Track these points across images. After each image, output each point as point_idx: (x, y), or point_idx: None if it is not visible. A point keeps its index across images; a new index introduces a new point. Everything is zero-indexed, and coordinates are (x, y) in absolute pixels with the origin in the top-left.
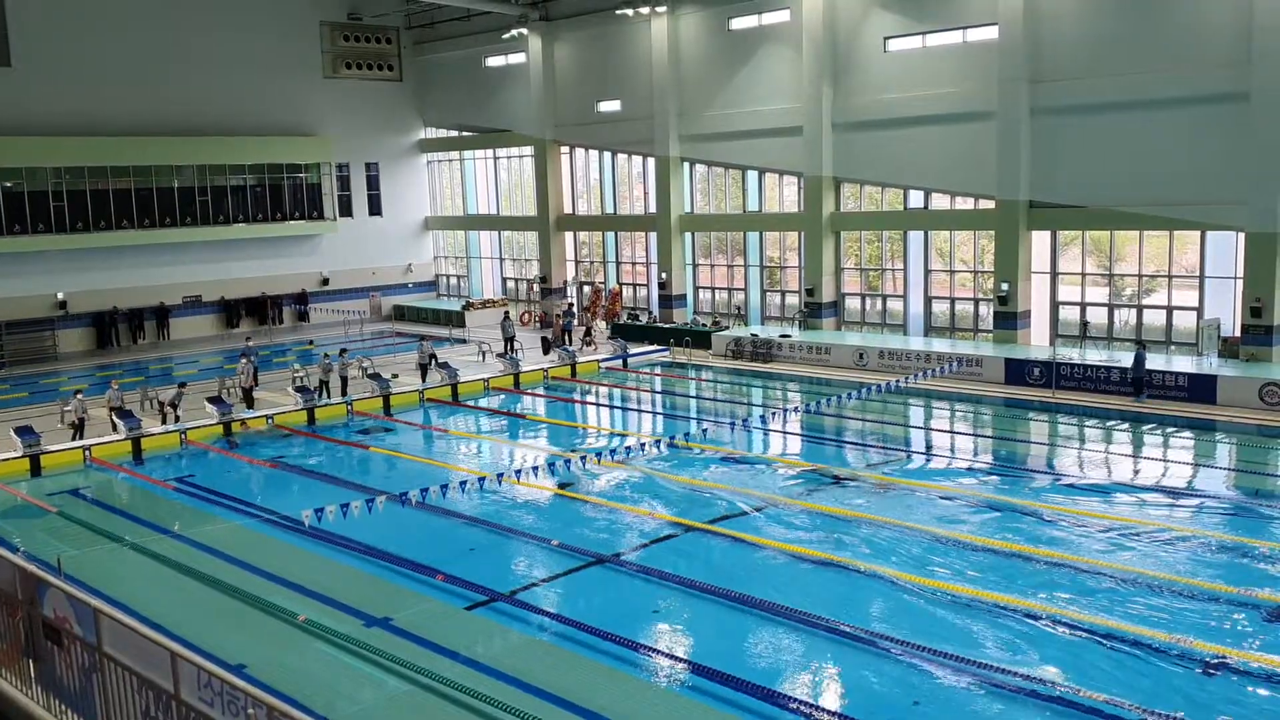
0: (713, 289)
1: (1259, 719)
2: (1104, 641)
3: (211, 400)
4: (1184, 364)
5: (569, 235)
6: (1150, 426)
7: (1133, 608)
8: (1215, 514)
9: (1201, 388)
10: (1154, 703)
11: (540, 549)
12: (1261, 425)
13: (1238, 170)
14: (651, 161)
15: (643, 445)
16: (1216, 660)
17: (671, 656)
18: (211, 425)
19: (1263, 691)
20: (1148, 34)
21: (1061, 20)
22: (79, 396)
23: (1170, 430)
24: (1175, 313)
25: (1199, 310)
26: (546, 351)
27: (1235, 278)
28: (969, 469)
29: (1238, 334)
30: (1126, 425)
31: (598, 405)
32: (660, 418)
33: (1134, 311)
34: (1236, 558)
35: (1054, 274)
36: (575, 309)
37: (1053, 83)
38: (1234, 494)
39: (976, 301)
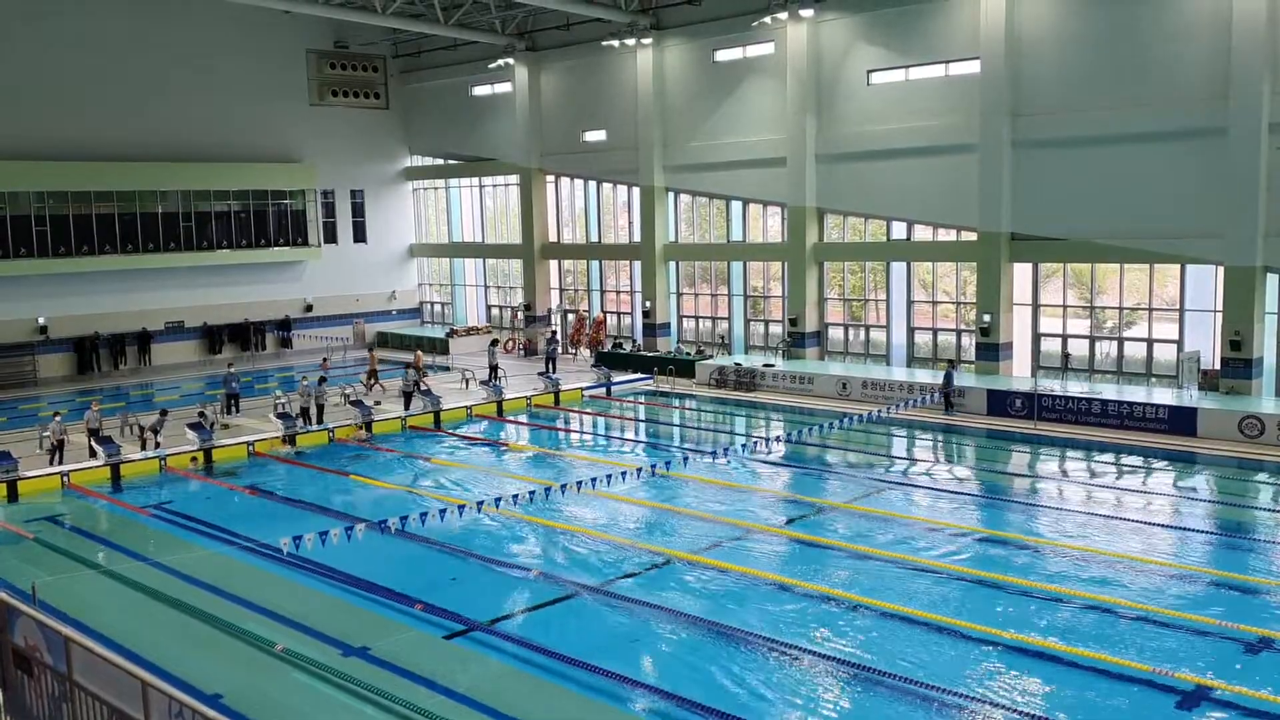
0: (696, 318)
1: None
2: (1085, 671)
3: (191, 426)
4: (1164, 396)
5: (553, 263)
6: (1128, 459)
7: (1114, 638)
8: (1196, 546)
9: (1182, 420)
10: None
11: (521, 578)
12: (1241, 458)
13: (1216, 204)
14: (636, 191)
15: (624, 474)
16: (1197, 691)
17: (651, 688)
18: (191, 451)
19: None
20: (1127, 69)
21: (1043, 55)
22: (57, 419)
23: (1151, 462)
24: (1155, 345)
25: (1179, 343)
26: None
27: (1215, 311)
28: (950, 499)
29: (1217, 367)
30: (1108, 457)
31: (581, 433)
32: (643, 446)
33: (1115, 344)
34: (1217, 589)
35: (1035, 306)
36: (560, 336)
37: (1034, 116)
38: (1214, 526)
39: (959, 332)
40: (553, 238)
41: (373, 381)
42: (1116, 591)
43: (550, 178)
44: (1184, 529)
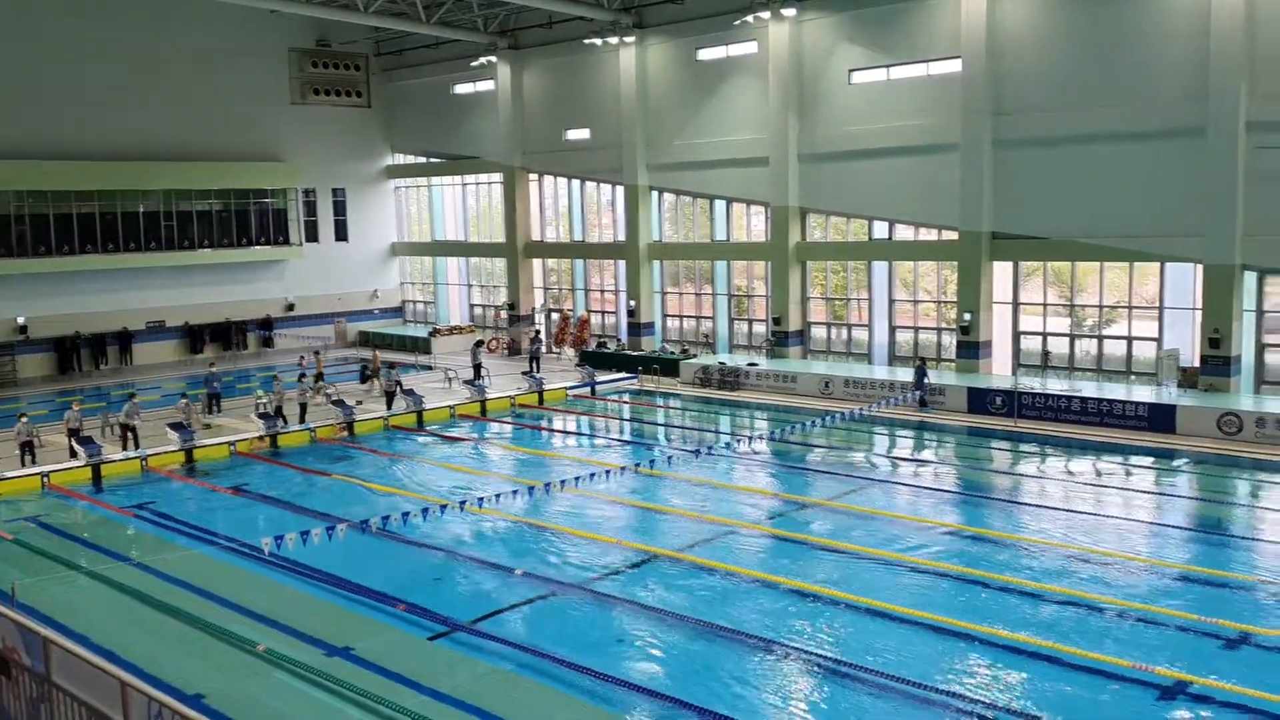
0: (681, 317)
1: None
2: (1067, 667)
3: (173, 426)
4: (1144, 394)
5: (537, 262)
6: (1108, 456)
7: (1094, 634)
8: (1176, 542)
9: (1161, 417)
10: None
11: (504, 578)
12: (1220, 455)
13: (1195, 204)
14: (620, 189)
15: (608, 473)
16: (1176, 686)
17: (637, 687)
18: (173, 452)
19: (1219, 714)
20: (1107, 69)
21: (1023, 54)
22: (23, 420)
23: (1130, 459)
24: (1135, 343)
25: (1158, 341)
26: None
27: (1194, 309)
28: (931, 496)
29: (1197, 364)
30: (1087, 454)
31: (565, 433)
32: (627, 445)
33: (1095, 342)
34: (1197, 585)
35: (1016, 304)
36: (544, 336)
37: (1014, 115)
38: (1194, 523)
39: (940, 331)
40: (536, 236)
41: (320, 384)
42: (1097, 588)
43: (533, 176)
44: (1164, 525)
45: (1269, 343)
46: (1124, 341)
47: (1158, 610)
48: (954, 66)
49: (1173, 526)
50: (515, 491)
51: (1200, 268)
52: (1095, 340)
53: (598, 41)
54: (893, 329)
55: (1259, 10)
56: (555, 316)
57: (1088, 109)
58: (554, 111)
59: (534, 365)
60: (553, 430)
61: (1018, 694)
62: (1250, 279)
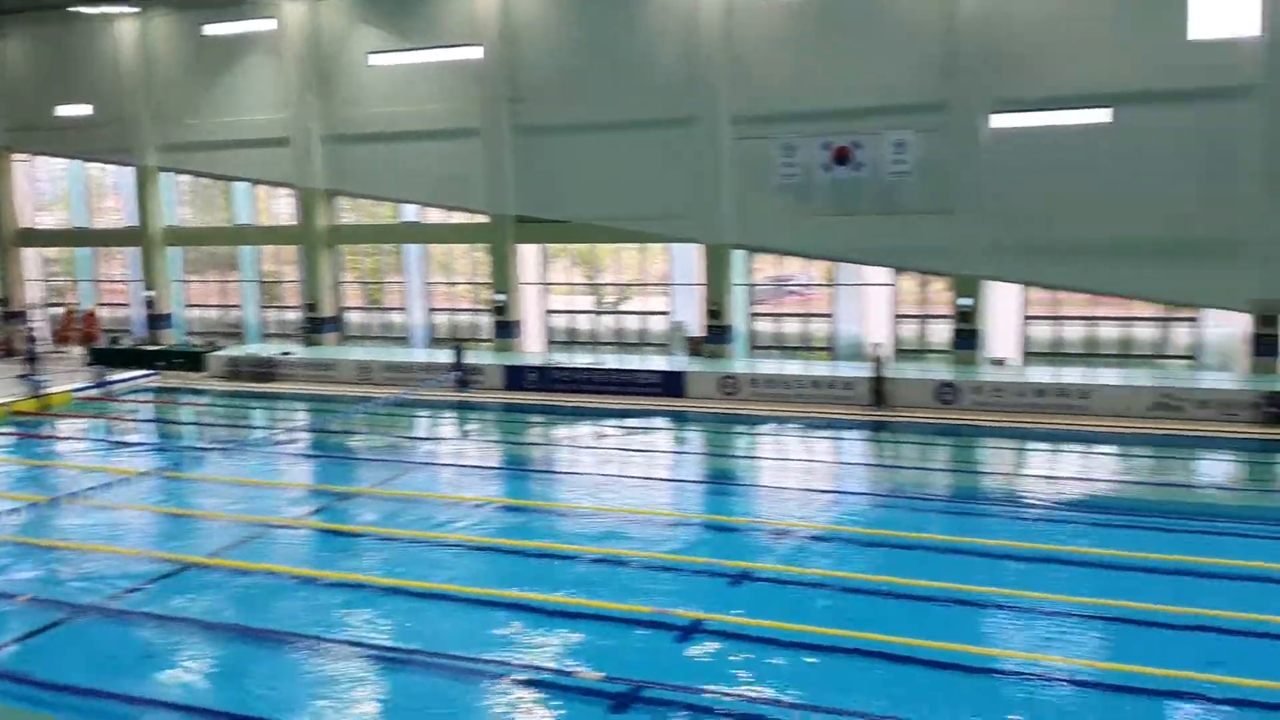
0: (206, 306)
1: (732, 670)
2: (600, 621)
3: None
4: (658, 363)
5: (32, 252)
6: (630, 420)
7: (620, 586)
8: (689, 494)
9: (673, 383)
10: (643, 672)
11: (5, 607)
12: (723, 413)
13: (693, 188)
14: (129, 170)
15: (126, 481)
16: (692, 624)
17: (167, 704)
18: None
19: (726, 645)
20: (613, 60)
21: (537, 43)
22: None
23: (650, 422)
24: (649, 317)
25: (669, 314)
26: None
27: (698, 284)
28: (472, 473)
29: (701, 334)
30: (611, 420)
31: (73, 440)
32: (149, 448)
33: (614, 317)
34: (706, 532)
35: (545, 285)
36: (45, 334)
37: (531, 103)
38: (703, 475)
39: (476, 312)
40: (30, 223)
41: None
42: (623, 544)
43: (23, 157)
44: (678, 480)
45: (756, 312)
46: (639, 316)
47: (675, 558)
48: (475, 53)
49: (685, 480)
50: (15, 509)
51: (701, 247)
52: (615, 316)
53: (91, 11)
54: (430, 312)
55: (735, 18)
56: (58, 311)
57: (598, 99)
58: (45, 86)
59: (32, 367)
60: (59, 438)
61: (558, 651)
62: (738, 256)
